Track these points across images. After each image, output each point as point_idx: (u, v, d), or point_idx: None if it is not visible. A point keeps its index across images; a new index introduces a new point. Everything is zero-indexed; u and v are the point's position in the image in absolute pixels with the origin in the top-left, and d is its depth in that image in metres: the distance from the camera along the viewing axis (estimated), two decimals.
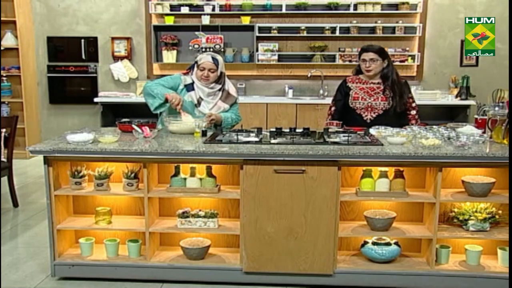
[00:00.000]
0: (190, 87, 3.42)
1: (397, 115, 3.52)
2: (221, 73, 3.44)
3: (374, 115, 3.51)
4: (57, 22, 6.60)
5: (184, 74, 3.51)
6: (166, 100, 3.27)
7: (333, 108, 3.68)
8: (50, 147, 2.83)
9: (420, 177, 3.03)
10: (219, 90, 3.47)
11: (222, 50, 6.35)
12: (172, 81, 3.43)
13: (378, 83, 3.55)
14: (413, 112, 3.59)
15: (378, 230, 2.92)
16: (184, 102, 3.35)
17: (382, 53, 3.50)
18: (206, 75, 3.36)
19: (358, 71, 3.64)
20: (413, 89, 6.06)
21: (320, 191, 2.79)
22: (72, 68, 6.66)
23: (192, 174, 2.97)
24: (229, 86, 3.54)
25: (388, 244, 2.94)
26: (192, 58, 6.42)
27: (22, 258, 3.38)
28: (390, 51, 6.26)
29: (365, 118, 3.53)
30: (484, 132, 3.13)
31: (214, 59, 3.38)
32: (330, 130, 3.21)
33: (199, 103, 3.42)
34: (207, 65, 3.36)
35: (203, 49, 6.27)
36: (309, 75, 6.24)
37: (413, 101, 3.60)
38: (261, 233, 2.85)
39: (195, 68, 3.43)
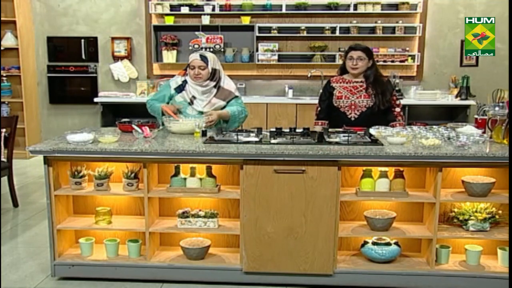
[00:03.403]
0: (179, 89, 3.47)
1: (381, 113, 3.57)
2: (214, 69, 3.44)
3: (357, 113, 3.56)
4: (57, 22, 6.60)
5: (183, 75, 3.54)
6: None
7: (319, 109, 3.78)
8: (50, 147, 2.83)
9: (420, 177, 3.03)
10: (214, 87, 3.47)
11: (222, 50, 6.35)
12: (163, 91, 3.53)
13: (361, 81, 3.60)
14: (398, 109, 3.63)
15: (378, 230, 2.92)
16: (178, 103, 3.43)
17: (368, 52, 3.57)
18: (197, 73, 3.40)
19: (343, 71, 3.70)
20: (413, 89, 6.13)
21: (320, 191, 2.79)
22: (72, 68, 6.65)
23: (192, 174, 2.98)
24: (226, 82, 3.53)
25: (388, 244, 2.94)
26: None
27: (22, 258, 3.38)
28: (390, 51, 6.27)
29: (349, 116, 3.58)
30: (484, 132, 3.13)
31: (202, 56, 3.41)
32: (330, 130, 3.21)
33: (192, 102, 3.44)
34: (196, 63, 3.40)
35: (203, 49, 6.27)
36: (309, 75, 6.24)
37: (397, 99, 3.67)
38: (261, 233, 2.85)
39: (188, 69, 3.47)
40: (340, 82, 3.65)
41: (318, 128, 3.65)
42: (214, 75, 3.44)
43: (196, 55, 3.42)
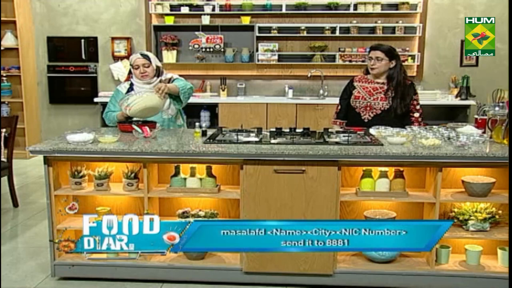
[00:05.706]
0: (129, 92, 3.50)
1: (398, 117, 3.47)
2: (158, 66, 3.51)
3: (372, 115, 3.50)
4: (57, 22, 6.60)
5: (127, 80, 3.60)
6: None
7: (339, 107, 3.70)
8: (50, 147, 2.83)
9: (420, 177, 3.03)
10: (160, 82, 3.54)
11: (222, 50, 6.35)
12: (116, 98, 3.50)
13: (382, 83, 3.51)
14: (417, 114, 3.53)
15: None
16: None
17: (389, 54, 3.46)
18: (143, 71, 3.44)
19: (367, 71, 3.60)
20: None
21: (320, 191, 2.79)
22: (72, 68, 6.65)
23: (192, 174, 2.98)
24: (164, 74, 3.61)
25: None
26: (192, 58, 6.44)
27: (22, 258, 3.38)
28: None
29: (363, 118, 3.52)
30: (484, 132, 3.13)
31: (143, 55, 3.47)
32: (329, 130, 3.21)
33: None
34: (139, 62, 3.44)
35: (203, 49, 6.29)
36: (309, 75, 6.24)
37: (418, 104, 3.55)
38: None
39: (132, 71, 3.50)
40: (362, 82, 3.56)
41: (335, 128, 3.57)
42: (159, 72, 3.51)
43: (137, 55, 3.49)
